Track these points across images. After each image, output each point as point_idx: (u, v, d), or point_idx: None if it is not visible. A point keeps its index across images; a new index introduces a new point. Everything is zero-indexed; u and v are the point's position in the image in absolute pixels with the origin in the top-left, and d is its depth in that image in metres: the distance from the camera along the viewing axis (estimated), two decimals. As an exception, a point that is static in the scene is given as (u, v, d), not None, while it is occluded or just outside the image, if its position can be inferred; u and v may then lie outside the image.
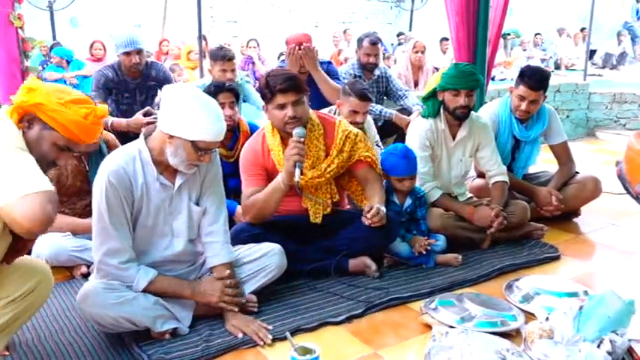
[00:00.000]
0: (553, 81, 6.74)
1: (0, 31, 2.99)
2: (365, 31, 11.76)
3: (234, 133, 3.39)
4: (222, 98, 3.24)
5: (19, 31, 3.05)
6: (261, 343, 2.27)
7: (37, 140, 1.80)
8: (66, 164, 1.88)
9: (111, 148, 3.12)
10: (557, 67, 11.30)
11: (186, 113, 2.15)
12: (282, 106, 2.69)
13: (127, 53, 3.77)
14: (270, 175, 2.81)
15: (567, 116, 6.68)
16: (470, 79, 3.17)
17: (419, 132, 3.29)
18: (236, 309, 2.37)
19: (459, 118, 3.26)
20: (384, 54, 9.45)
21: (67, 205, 3.03)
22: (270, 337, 2.29)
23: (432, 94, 3.32)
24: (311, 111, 2.90)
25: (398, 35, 11.28)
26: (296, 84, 2.69)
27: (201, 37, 6.14)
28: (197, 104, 2.17)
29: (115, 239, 2.20)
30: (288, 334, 2.14)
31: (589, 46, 8.43)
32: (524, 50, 11.21)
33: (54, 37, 7.11)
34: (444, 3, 4.40)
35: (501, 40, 10.62)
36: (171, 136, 2.17)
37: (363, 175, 2.93)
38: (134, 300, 2.20)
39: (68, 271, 2.96)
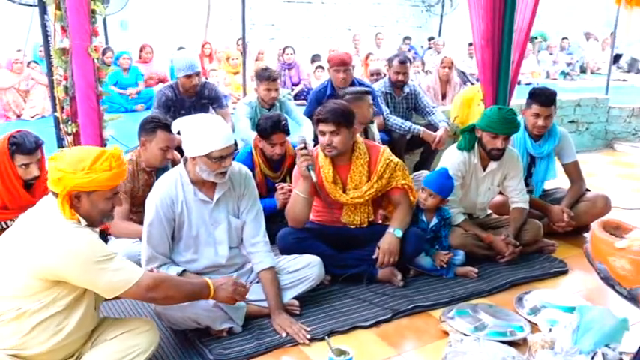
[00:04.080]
0: (573, 95, 7.01)
1: (79, 61, 3.38)
2: (395, 34, 11.94)
3: (281, 157, 3.81)
4: (275, 139, 3.67)
5: (95, 60, 3.46)
6: (302, 342, 2.65)
7: (92, 206, 2.11)
8: (121, 204, 2.32)
9: (175, 164, 3.54)
10: (583, 70, 11.46)
11: (192, 135, 2.60)
12: (322, 133, 3.09)
13: (188, 76, 4.20)
14: (317, 188, 3.14)
15: (586, 129, 6.91)
16: (510, 125, 3.41)
17: (452, 163, 3.55)
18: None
19: (492, 158, 3.52)
20: (413, 58, 9.75)
21: (135, 214, 3.46)
22: (309, 337, 2.67)
23: (471, 129, 3.57)
24: (361, 140, 3.26)
25: (429, 40, 11.54)
26: (336, 117, 3.03)
27: (245, 42, 6.54)
28: (198, 125, 2.61)
29: (151, 249, 2.67)
30: (327, 337, 2.53)
31: (613, 52, 8.53)
32: (551, 54, 11.36)
33: (106, 42, 7.58)
34: (470, 27, 4.64)
35: (529, 45, 10.82)
36: (193, 158, 2.63)
37: (397, 199, 3.28)
38: (197, 303, 2.57)
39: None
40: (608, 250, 1.33)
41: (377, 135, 4.25)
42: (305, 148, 3.02)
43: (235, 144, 4.36)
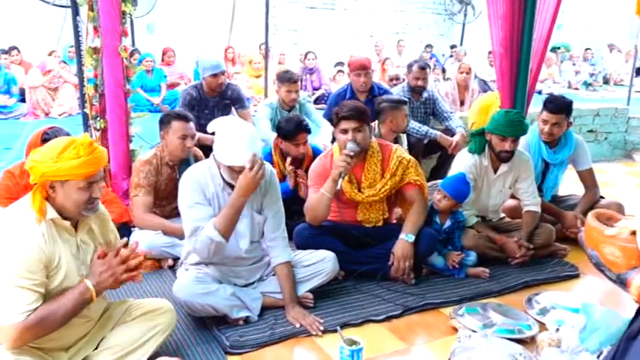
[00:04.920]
0: (593, 105, 7.03)
1: (109, 60, 3.56)
2: (417, 41, 11.97)
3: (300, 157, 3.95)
4: (300, 139, 3.80)
5: (124, 60, 3.63)
6: (314, 333, 2.75)
7: (65, 197, 2.04)
8: (99, 195, 2.14)
9: (198, 160, 3.68)
10: (606, 82, 11.43)
11: (222, 144, 2.65)
12: (344, 131, 3.18)
13: (215, 75, 4.36)
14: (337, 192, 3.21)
15: (605, 138, 6.93)
16: (517, 128, 3.49)
17: (463, 166, 3.63)
18: None
19: (502, 159, 3.60)
20: (434, 65, 9.82)
21: (158, 207, 3.60)
22: (322, 328, 2.77)
23: (480, 132, 3.65)
24: (374, 139, 3.36)
25: (451, 47, 11.63)
26: (358, 114, 3.16)
27: (267, 47, 6.69)
28: (229, 134, 2.64)
29: (195, 222, 2.71)
30: (339, 328, 2.63)
31: (636, 63, 8.52)
32: (574, 65, 11.35)
33: (133, 44, 7.80)
34: (489, 34, 4.72)
35: (552, 55, 10.82)
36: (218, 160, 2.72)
37: (411, 196, 3.35)
38: (216, 291, 2.73)
39: (157, 263, 3.51)
40: (599, 237, 1.42)
41: (405, 144, 4.33)
42: (352, 157, 3.12)
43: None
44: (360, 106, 3.25)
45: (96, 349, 2.28)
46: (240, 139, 2.62)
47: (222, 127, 2.70)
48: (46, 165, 1.99)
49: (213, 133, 2.73)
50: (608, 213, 1.50)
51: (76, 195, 2.05)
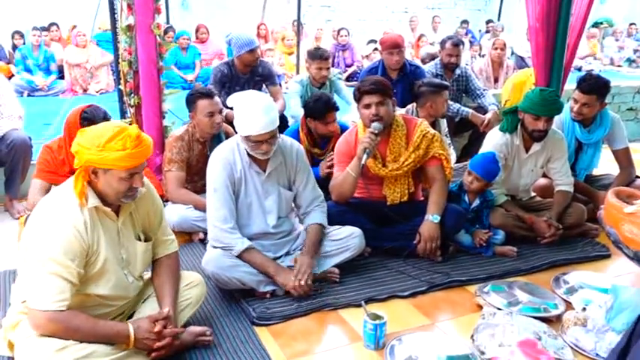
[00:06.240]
0: (633, 82, 6.81)
1: (142, 38, 3.63)
2: (453, 17, 11.73)
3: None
4: (329, 117, 3.82)
5: (157, 37, 3.68)
6: (295, 293, 2.78)
7: (106, 184, 2.07)
8: (141, 184, 2.15)
9: (229, 137, 3.74)
10: (652, 58, 11.03)
11: (237, 114, 2.73)
12: (367, 106, 3.18)
13: (252, 50, 4.40)
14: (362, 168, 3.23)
15: (646, 117, 6.74)
16: (552, 107, 3.41)
17: (494, 144, 3.59)
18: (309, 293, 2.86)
19: (535, 139, 3.53)
20: (471, 42, 9.64)
21: (190, 183, 3.67)
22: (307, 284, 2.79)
23: (513, 111, 3.60)
24: (398, 114, 3.35)
25: (487, 22, 11.35)
26: (380, 88, 3.16)
27: (300, 23, 6.68)
28: (244, 106, 2.72)
29: (225, 209, 2.82)
30: (363, 302, 2.68)
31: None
32: (617, 40, 10.97)
33: (167, 21, 7.86)
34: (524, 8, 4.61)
35: (595, 31, 10.47)
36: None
37: (433, 173, 3.33)
38: (244, 265, 2.80)
39: (188, 236, 3.61)
40: (618, 215, 1.41)
41: (445, 129, 4.27)
42: (377, 135, 3.14)
43: (286, 120, 4.55)
44: (382, 80, 3.26)
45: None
46: (255, 108, 2.69)
47: (238, 99, 2.77)
48: (91, 152, 2.00)
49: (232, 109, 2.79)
50: (629, 190, 1.49)
51: (117, 184, 2.07)
